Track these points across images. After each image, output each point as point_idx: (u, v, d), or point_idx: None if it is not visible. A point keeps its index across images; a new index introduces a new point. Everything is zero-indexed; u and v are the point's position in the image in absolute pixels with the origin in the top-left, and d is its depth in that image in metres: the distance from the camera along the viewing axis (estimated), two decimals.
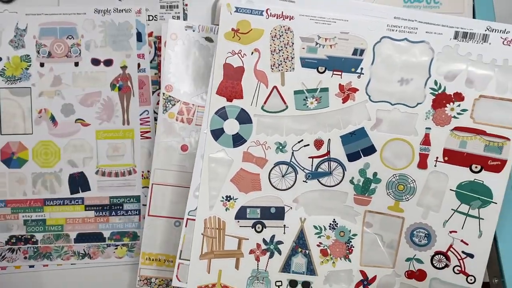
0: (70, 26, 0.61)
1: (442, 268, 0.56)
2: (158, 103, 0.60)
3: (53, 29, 0.61)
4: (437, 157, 0.54)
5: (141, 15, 0.62)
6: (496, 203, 0.54)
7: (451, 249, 0.56)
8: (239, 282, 0.55)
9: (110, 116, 0.62)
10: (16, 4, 0.59)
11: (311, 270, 0.55)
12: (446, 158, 0.54)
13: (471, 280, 0.56)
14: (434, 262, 0.56)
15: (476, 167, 0.55)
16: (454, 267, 0.56)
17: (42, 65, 0.61)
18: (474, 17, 0.61)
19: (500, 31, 0.52)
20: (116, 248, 0.64)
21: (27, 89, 0.61)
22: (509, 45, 0.52)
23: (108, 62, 0.61)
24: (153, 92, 0.61)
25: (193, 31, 0.60)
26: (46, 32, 0.61)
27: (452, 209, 0.55)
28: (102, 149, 0.62)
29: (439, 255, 0.56)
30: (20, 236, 0.63)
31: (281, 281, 0.55)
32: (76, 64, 0.61)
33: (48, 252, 0.64)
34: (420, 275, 0.56)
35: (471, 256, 0.55)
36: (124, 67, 0.61)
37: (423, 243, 0.56)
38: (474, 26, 0.53)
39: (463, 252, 0.56)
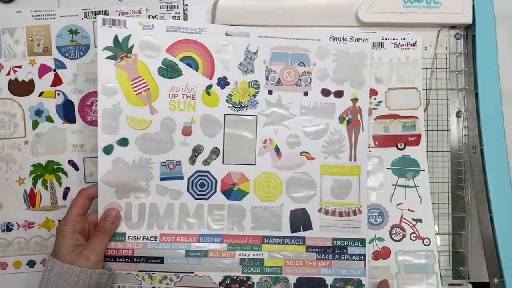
0: (302, 52, 0.59)
1: (401, 239, 0.62)
2: None
3: (285, 55, 0.59)
4: (369, 144, 0.62)
5: None
6: (424, 170, 0.62)
7: (403, 219, 0.62)
8: None
9: (337, 150, 0.60)
10: (248, 28, 0.58)
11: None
12: (376, 143, 0.62)
13: (426, 242, 0.62)
14: (392, 236, 0.62)
15: (400, 145, 0.62)
16: (410, 234, 0.62)
17: (270, 92, 0.60)
18: (474, 17, 0.62)
19: (391, 38, 0.62)
20: None
21: (253, 117, 0.60)
22: (399, 48, 0.62)
23: (339, 94, 0.60)
24: None
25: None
26: (277, 57, 0.59)
27: (393, 185, 0.62)
28: (326, 185, 0.60)
29: (395, 228, 0.62)
30: (235, 278, 0.59)
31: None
32: (305, 93, 0.60)
33: None
34: (385, 253, 0.62)
35: (420, 221, 0.62)
36: (354, 100, 0.60)
37: (379, 222, 0.62)
38: (371, 37, 0.62)
39: (412, 219, 0.62)
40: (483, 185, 0.61)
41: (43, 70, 0.62)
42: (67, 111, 0.62)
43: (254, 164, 0.60)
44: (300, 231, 0.60)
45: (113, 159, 0.58)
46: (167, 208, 0.60)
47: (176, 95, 0.59)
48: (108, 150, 0.58)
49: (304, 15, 0.63)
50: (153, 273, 0.59)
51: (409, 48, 0.62)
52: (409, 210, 0.62)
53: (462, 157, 0.64)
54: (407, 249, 0.62)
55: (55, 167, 0.62)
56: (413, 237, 0.62)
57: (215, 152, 0.60)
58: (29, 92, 0.61)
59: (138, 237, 0.59)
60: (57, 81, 0.61)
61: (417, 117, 0.62)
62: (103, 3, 0.62)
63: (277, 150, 0.60)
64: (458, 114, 0.64)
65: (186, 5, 0.64)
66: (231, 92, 0.60)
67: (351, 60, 0.61)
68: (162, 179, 0.60)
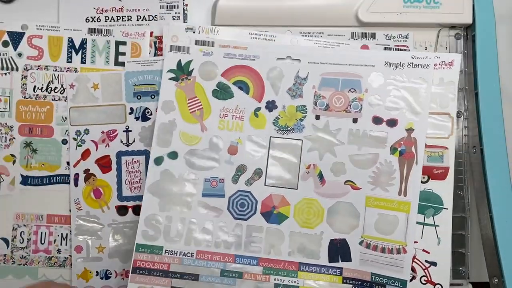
0: (354, 78, 0.58)
1: (411, 280, 0.58)
2: None
3: (335, 80, 0.59)
4: None
5: None
6: (447, 209, 0.58)
7: (415, 260, 0.58)
8: None
9: (385, 183, 0.57)
10: (300, 54, 0.59)
11: None
12: None
13: None
14: None
15: (423, 177, 0.59)
16: (421, 277, 0.58)
17: (317, 117, 0.59)
18: (473, 17, 0.62)
19: (422, 57, 0.59)
20: None
21: (299, 141, 0.59)
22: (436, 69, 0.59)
23: (392, 122, 0.57)
24: None
25: (193, 32, 0.63)
26: (327, 82, 0.59)
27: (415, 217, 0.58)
28: (370, 218, 0.57)
29: None
30: None
31: None
32: (355, 120, 0.58)
33: None
34: None
35: (434, 264, 0.58)
36: (410, 130, 0.57)
37: None
38: (401, 57, 0.59)
39: (426, 261, 0.58)
40: (483, 185, 0.60)
41: None
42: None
43: (296, 189, 0.59)
44: (339, 261, 0.58)
45: (162, 170, 0.61)
46: (206, 225, 0.60)
47: (226, 115, 0.62)
48: (158, 161, 0.61)
49: (304, 15, 0.63)
50: None
51: (444, 68, 0.59)
52: (423, 250, 0.58)
53: (462, 157, 0.62)
54: None
55: None
56: (424, 280, 0.58)
57: (258, 173, 0.61)
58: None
59: (175, 251, 0.60)
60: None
61: (446, 148, 0.59)
62: (103, 3, 0.63)
63: (320, 176, 0.59)
64: (458, 114, 0.62)
65: (186, 5, 0.64)
66: (278, 115, 0.60)
67: (408, 87, 0.59)
68: (204, 195, 0.61)
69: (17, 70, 0.64)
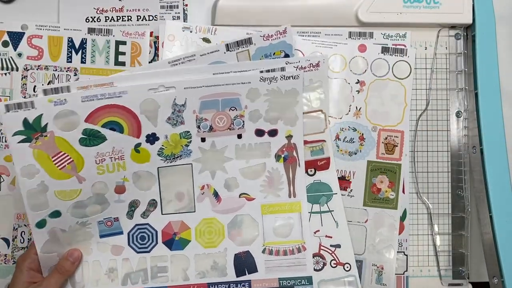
0: (233, 97, 0.58)
1: (322, 268, 0.61)
2: None
3: (215, 102, 0.58)
4: None
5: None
6: (336, 193, 0.61)
7: (322, 247, 0.61)
8: None
9: (276, 189, 0.60)
10: (174, 82, 0.55)
11: None
12: None
13: (347, 267, 0.61)
14: (314, 265, 0.61)
15: (311, 170, 0.61)
16: (331, 261, 0.61)
17: (203, 140, 0.59)
18: (473, 17, 0.62)
19: (294, 62, 0.60)
20: None
21: (188, 165, 0.59)
22: (302, 71, 0.60)
23: (273, 132, 0.59)
24: None
25: (190, 32, 0.63)
26: (207, 105, 0.58)
27: (308, 212, 0.61)
28: (268, 225, 0.60)
29: (315, 257, 0.61)
30: None
31: None
32: (239, 136, 0.59)
33: None
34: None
35: (339, 246, 0.61)
36: (289, 137, 0.60)
37: None
38: (275, 63, 0.60)
39: (331, 245, 0.61)
40: (483, 185, 0.61)
41: None
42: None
43: (194, 211, 0.60)
44: (246, 274, 0.60)
45: (48, 230, 0.56)
46: (109, 264, 0.60)
47: (103, 159, 0.56)
48: (41, 224, 0.56)
49: (304, 15, 0.63)
50: None
51: (312, 70, 0.60)
52: (326, 236, 0.61)
53: (462, 157, 0.64)
54: (328, 278, 0.61)
55: None
56: (334, 264, 0.61)
57: (152, 204, 0.59)
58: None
59: None
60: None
61: (324, 140, 0.62)
62: (103, 3, 0.63)
63: (215, 194, 0.60)
64: (458, 114, 0.64)
65: (186, 5, 0.64)
66: (162, 146, 0.57)
67: (283, 98, 0.59)
68: (102, 236, 0.59)
69: (17, 70, 0.63)
